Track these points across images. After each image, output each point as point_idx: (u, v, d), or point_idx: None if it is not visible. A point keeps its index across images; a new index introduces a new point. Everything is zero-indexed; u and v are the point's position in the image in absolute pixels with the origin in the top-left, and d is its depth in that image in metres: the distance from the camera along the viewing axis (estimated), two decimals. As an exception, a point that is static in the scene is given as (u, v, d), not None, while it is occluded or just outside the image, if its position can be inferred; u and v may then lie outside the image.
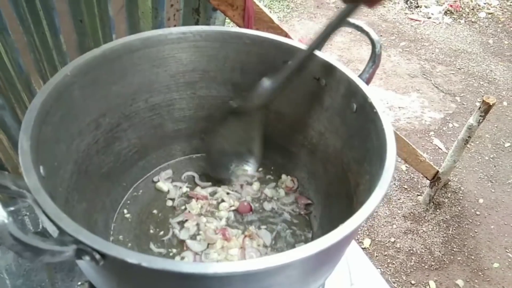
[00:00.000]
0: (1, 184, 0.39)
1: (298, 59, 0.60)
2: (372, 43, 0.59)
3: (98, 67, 0.58)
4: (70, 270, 0.64)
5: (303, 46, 0.62)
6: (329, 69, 0.62)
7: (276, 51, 0.66)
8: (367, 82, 0.60)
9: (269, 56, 0.67)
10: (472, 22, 3.62)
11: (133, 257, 0.33)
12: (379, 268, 1.73)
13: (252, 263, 0.34)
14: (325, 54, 0.63)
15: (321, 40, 0.57)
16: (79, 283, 0.59)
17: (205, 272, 0.34)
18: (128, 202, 0.71)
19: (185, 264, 0.34)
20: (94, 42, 0.96)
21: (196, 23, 1.05)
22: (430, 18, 3.62)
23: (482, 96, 1.78)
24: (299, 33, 3.21)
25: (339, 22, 0.55)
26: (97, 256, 0.35)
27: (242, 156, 0.74)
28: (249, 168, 0.75)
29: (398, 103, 2.63)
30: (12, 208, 0.75)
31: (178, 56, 0.67)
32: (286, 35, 1.03)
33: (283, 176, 0.77)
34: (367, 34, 0.59)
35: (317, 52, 0.63)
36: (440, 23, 3.58)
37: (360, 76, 0.60)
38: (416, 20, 3.57)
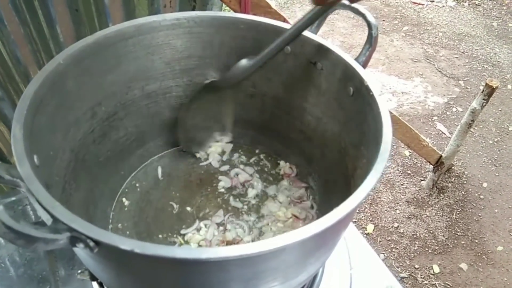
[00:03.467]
0: (-6, 173, 0.39)
1: (279, 41, 0.60)
2: (368, 25, 0.58)
3: (92, 55, 0.57)
4: (70, 259, 0.65)
5: (287, 27, 0.62)
6: (325, 53, 0.61)
7: (271, 36, 0.64)
8: (364, 65, 0.59)
9: (264, 41, 0.65)
10: (476, 4, 3.56)
11: (126, 244, 0.33)
12: (383, 253, 1.73)
13: (245, 247, 0.34)
14: (321, 38, 0.62)
15: (304, 25, 0.57)
16: (79, 271, 0.60)
17: (198, 257, 0.34)
18: (127, 190, 0.72)
19: (178, 249, 0.34)
20: (91, 31, 0.96)
21: (193, 10, 1.04)
22: (433, 1, 3.57)
23: (486, 79, 1.76)
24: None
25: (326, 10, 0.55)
26: (91, 244, 0.35)
27: (214, 131, 0.79)
28: (221, 142, 0.80)
29: (401, 88, 2.61)
30: (13, 198, 0.75)
31: (173, 42, 0.66)
32: (284, 20, 1.01)
33: (281, 163, 0.77)
34: (363, 16, 0.58)
35: (313, 36, 0.62)
36: (443, 6, 3.53)
37: (356, 59, 0.59)
38: (419, 3, 3.52)
